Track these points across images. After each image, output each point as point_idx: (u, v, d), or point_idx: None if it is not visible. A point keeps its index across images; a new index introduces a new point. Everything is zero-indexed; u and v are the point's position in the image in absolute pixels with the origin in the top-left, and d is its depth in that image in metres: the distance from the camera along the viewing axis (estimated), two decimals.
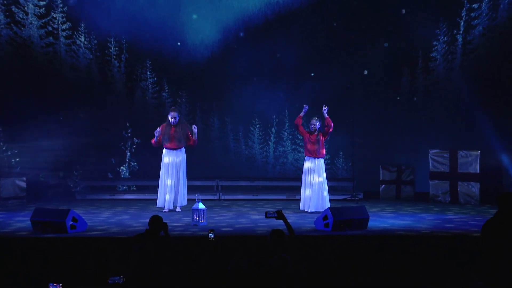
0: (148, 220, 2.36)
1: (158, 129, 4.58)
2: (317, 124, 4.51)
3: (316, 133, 4.50)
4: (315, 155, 4.45)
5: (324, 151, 4.56)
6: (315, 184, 4.36)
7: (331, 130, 4.49)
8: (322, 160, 4.53)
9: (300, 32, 6.82)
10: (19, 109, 6.13)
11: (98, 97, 7.04)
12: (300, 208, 4.42)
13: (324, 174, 4.51)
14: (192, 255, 2.57)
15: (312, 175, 4.40)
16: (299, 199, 4.52)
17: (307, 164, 4.50)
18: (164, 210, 4.41)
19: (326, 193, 4.43)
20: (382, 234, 3.05)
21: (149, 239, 2.23)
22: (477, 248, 2.15)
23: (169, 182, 4.44)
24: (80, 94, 6.86)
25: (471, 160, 5.22)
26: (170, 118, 4.54)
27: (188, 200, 4.61)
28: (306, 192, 4.41)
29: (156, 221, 2.31)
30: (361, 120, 6.25)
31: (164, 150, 4.64)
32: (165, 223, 2.34)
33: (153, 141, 4.62)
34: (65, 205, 4.52)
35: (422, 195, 5.53)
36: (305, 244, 2.42)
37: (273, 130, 7.03)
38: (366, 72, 6.45)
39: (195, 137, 4.60)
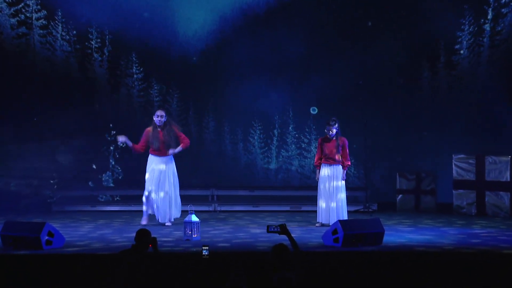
0: (134, 234, 2.38)
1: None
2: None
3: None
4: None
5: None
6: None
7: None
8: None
9: (306, 21, 6.87)
10: None
11: (77, 95, 7.07)
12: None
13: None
14: (184, 274, 2.60)
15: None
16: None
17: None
18: (142, 222, 4.39)
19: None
20: (398, 251, 3.07)
21: (136, 256, 2.25)
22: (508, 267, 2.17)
23: (157, 195, 4.36)
24: (56, 91, 6.88)
25: (500, 167, 5.24)
26: (155, 118, 4.46)
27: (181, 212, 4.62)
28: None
29: (144, 236, 2.34)
30: (374, 121, 6.26)
31: (150, 156, 4.52)
32: (154, 238, 2.37)
33: (136, 147, 4.51)
34: (40, 217, 4.54)
35: (445, 206, 5.56)
36: (311, 262, 2.45)
37: (276, 132, 7.06)
38: (361, 82, 6.45)
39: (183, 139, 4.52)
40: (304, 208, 5.35)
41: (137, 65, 7.37)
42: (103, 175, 6.83)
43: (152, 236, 2.37)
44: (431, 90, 6.90)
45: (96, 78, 7.29)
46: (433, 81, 6.88)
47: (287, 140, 7.10)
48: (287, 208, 5.59)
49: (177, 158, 4.70)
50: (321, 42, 6.88)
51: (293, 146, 7.07)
